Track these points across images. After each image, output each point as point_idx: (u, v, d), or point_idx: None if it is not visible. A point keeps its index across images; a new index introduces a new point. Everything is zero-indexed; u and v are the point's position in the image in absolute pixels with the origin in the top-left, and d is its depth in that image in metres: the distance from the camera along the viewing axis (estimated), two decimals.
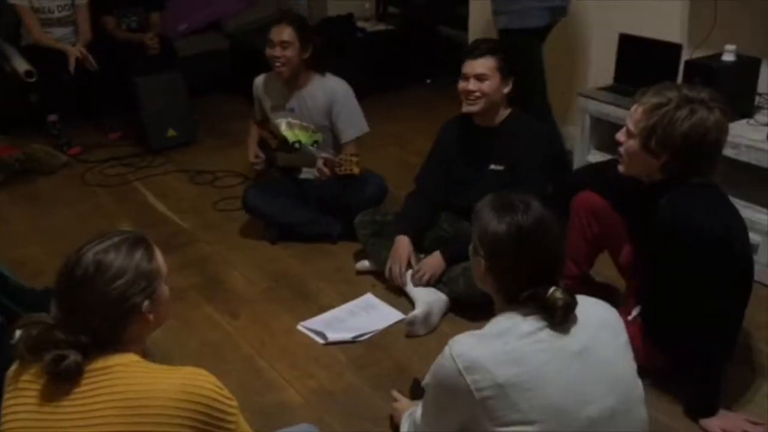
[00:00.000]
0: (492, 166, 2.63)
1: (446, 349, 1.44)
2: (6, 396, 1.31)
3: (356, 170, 2.83)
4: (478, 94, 2.55)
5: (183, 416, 1.23)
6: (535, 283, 1.44)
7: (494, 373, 1.37)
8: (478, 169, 2.66)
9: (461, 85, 2.58)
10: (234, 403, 1.32)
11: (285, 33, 2.98)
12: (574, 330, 1.44)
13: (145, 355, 1.36)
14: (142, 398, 1.24)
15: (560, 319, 1.43)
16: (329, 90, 3.07)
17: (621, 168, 2.08)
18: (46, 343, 1.26)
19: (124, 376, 1.26)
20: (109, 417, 1.23)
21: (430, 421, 1.59)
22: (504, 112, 2.65)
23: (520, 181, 2.51)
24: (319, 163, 2.90)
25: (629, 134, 2.00)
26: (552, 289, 1.43)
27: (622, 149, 2.04)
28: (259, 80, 3.27)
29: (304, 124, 3.15)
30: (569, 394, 1.39)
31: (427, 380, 1.53)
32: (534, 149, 2.59)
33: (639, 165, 2.02)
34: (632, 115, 1.99)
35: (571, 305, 1.44)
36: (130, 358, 1.30)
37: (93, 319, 1.27)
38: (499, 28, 3.23)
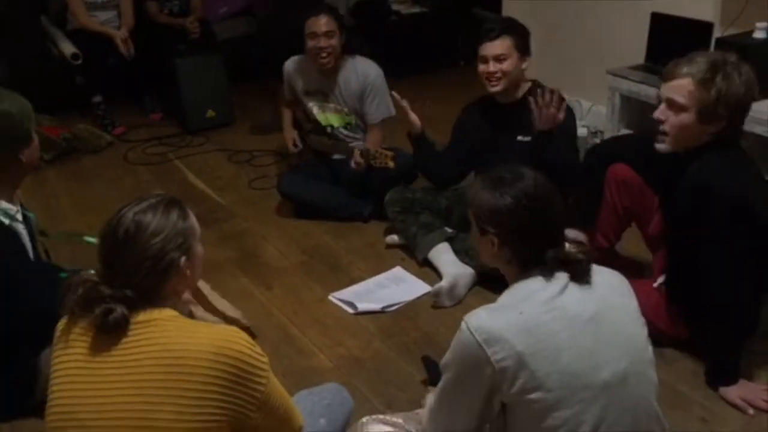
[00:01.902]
0: (519, 138, 2.67)
1: (463, 324, 1.45)
2: (56, 348, 1.40)
3: (391, 164, 2.90)
4: (498, 74, 2.61)
5: (217, 368, 1.31)
6: (549, 244, 1.47)
7: (512, 342, 1.40)
8: (505, 142, 2.71)
9: (481, 68, 2.64)
10: (265, 359, 1.39)
11: (327, 23, 3.04)
12: (586, 297, 1.46)
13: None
14: (179, 350, 1.32)
15: (583, 270, 1.47)
16: (362, 74, 3.14)
17: (665, 147, 2.03)
18: (95, 298, 1.35)
19: (164, 329, 1.35)
20: (150, 367, 1.31)
21: (445, 401, 1.57)
22: (525, 86, 2.70)
23: None
24: (356, 155, 2.99)
25: (681, 108, 1.95)
26: (567, 246, 1.49)
27: (666, 126, 1.99)
28: (290, 63, 3.34)
29: (338, 107, 3.22)
30: (584, 360, 1.42)
31: (446, 359, 1.54)
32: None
33: (689, 138, 1.99)
34: (680, 89, 1.94)
35: (589, 258, 1.49)
36: (168, 313, 1.38)
37: (135, 275, 1.36)
38: None
